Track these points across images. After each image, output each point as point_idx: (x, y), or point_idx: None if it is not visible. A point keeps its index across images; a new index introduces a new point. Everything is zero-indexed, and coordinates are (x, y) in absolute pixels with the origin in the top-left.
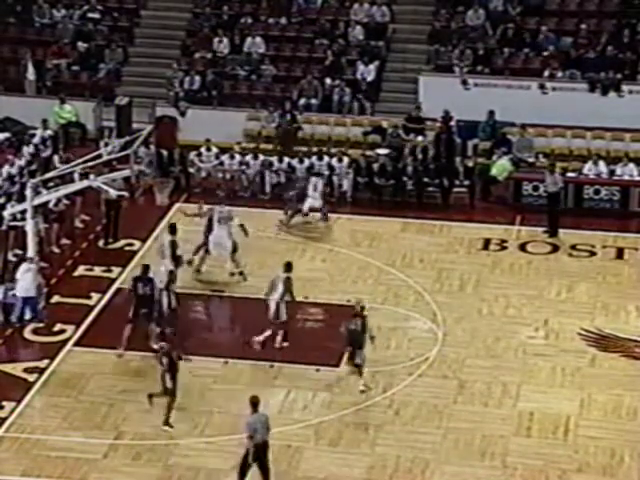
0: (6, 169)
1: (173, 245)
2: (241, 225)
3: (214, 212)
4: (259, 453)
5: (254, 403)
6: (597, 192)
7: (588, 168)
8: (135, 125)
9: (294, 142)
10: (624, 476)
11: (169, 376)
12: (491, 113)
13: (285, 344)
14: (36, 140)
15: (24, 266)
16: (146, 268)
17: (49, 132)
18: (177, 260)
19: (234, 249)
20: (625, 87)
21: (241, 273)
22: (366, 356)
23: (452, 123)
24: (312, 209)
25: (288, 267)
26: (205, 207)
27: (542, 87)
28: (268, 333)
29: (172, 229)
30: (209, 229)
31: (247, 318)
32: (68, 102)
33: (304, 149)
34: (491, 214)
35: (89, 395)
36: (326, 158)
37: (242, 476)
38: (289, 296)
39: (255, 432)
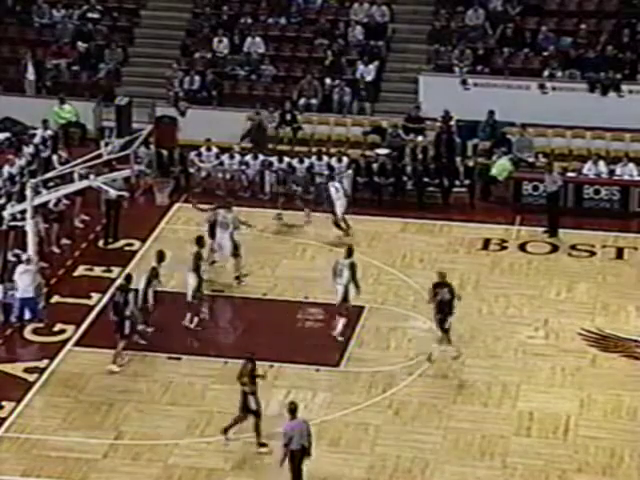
0: (6, 169)
1: (197, 256)
2: (242, 222)
3: (218, 216)
4: (298, 459)
5: (292, 409)
6: (597, 192)
7: (588, 168)
8: (135, 125)
9: (265, 139)
10: (624, 476)
11: (254, 398)
12: (491, 113)
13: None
14: (36, 140)
15: (21, 267)
16: (128, 278)
17: (49, 132)
18: (198, 273)
19: (236, 254)
20: (625, 87)
21: (237, 277)
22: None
23: (452, 123)
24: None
25: (349, 252)
26: (206, 207)
27: (542, 87)
28: (343, 321)
29: (199, 241)
30: (212, 233)
31: (247, 318)
32: (68, 102)
33: (304, 149)
34: (491, 214)
35: (89, 395)
36: (325, 158)
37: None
38: (354, 282)
39: (290, 440)
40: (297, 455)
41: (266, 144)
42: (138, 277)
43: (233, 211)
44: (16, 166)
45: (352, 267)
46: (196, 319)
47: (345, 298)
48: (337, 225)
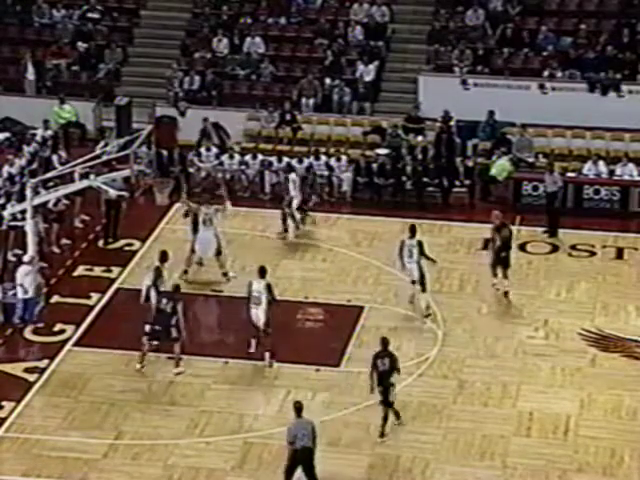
0: (6, 169)
1: (269, 288)
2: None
3: (199, 213)
4: (301, 459)
5: (297, 408)
6: (597, 192)
7: (588, 168)
8: (135, 125)
9: (227, 136)
10: (624, 476)
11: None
12: (491, 113)
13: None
14: (37, 140)
15: (23, 268)
16: (177, 287)
17: (49, 132)
18: (274, 300)
19: (219, 251)
20: (625, 87)
21: (225, 274)
22: None
23: (452, 123)
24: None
25: (413, 231)
26: (191, 204)
27: (542, 87)
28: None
29: (262, 272)
30: (195, 230)
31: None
32: (68, 102)
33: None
34: (491, 214)
35: (89, 395)
36: (324, 158)
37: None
38: (426, 257)
39: (295, 439)
40: (299, 455)
41: (226, 142)
42: (142, 277)
43: (213, 206)
44: (16, 166)
45: (420, 245)
46: (269, 354)
47: (421, 274)
48: (284, 219)
